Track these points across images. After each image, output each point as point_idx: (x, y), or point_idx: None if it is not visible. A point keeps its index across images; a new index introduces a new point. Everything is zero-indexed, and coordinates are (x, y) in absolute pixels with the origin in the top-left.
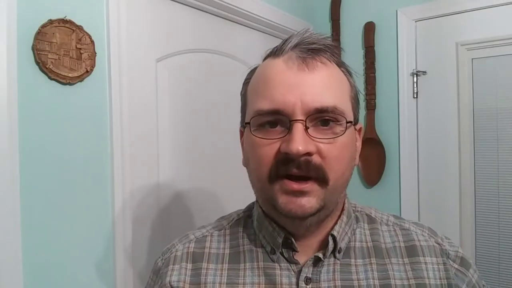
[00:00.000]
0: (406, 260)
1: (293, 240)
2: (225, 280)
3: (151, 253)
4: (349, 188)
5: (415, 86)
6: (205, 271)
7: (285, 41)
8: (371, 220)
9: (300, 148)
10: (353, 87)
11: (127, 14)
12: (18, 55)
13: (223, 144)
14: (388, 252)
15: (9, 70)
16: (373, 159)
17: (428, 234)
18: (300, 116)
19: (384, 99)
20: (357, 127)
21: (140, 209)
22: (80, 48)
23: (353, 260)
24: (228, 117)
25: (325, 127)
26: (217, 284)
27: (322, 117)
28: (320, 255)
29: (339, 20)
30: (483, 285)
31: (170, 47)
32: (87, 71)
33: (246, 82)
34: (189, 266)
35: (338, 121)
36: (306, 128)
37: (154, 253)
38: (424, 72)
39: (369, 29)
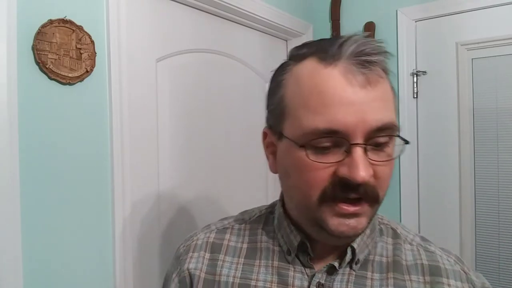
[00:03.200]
0: (427, 278)
1: (308, 245)
2: (239, 274)
3: (151, 252)
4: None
5: (415, 86)
6: (221, 262)
7: (337, 45)
8: (395, 235)
9: (365, 175)
10: (395, 96)
11: (127, 14)
12: (18, 55)
13: (223, 144)
14: (408, 269)
15: (9, 70)
16: None
17: (454, 260)
18: (360, 139)
19: None
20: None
21: (140, 208)
22: (80, 48)
23: (369, 273)
24: (229, 117)
25: (379, 148)
26: (231, 277)
27: (380, 139)
28: (336, 264)
29: (339, 20)
30: None
31: (170, 47)
32: (87, 71)
33: (281, 84)
34: (207, 255)
35: (392, 140)
36: (365, 151)
37: (154, 253)
38: (424, 72)
39: (369, 29)
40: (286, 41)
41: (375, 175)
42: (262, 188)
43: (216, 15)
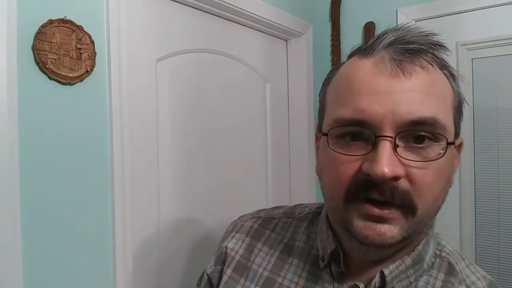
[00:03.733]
0: None
1: (341, 256)
2: (270, 267)
3: (151, 252)
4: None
5: None
6: (257, 251)
7: (377, 38)
8: (451, 271)
9: (387, 170)
10: (456, 95)
11: (127, 14)
12: (18, 55)
13: (223, 144)
14: None
15: (9, 70)
16: None
17: None
18: (388, 132)
19: None
20: (457, 142)
21: (140, 208)
22: (80, 48)
23: None
24: (229, 117)
25: (419, 145)
26: (262, 268)
27: (417, 133)
28: (361, 286)
29: (339, 20)
30: None
31: (170, 47)
32: (87, 71)
33: (327, 83)
34: (247, 240)
35: (436, 140)
36: (395, 147)
37: (154, 253)
38: None
39: (369, 29)
40: (286, 41)
41: (409, 178)
42: (262, 188)
43: (216, 15)
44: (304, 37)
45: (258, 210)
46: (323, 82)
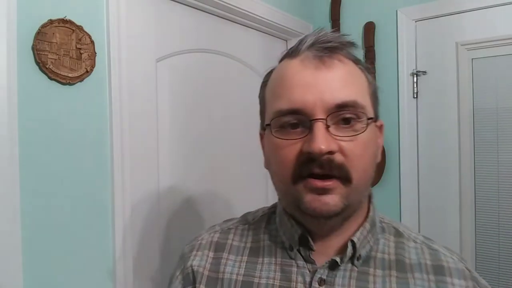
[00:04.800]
0: (431, 277)
1: (309, 238)
2: (242, 272)
3: (151, 252)
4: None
5: (415, 86)
6: (224, 261)
7: (300, 42)
8: (398, 234)
9: (323, 147)
10: (371, 83)
11: (127, 14)
12: (18, 55)
13: (223, 143)
14: (412, 267)
15: (9, 70)
16: None
17: (457, 258)
18: (320, 115)
19: (384, 99)
20: (378, 123)
21: (140, 208)
22: (80, 48)
23: (372, 270)
24: (229, 117)
25: (346, 125)
26: (234, 275)
27: (343, 115)
28: (338, 259)
29: (339, 20)
30: None
31: (170, 47)
32: (87, 71)
33: (264, 85)
34: (211, 254)
35: (359, 118)
36: (327, 127)
37: (154, 253)
38: (424, 72)
39: (369, 29)
40: (286, 41)
41: (342, 152)
42: (262, 187)
43: (216, 15)
44: None
45: (211, 226)
46: (261, 85)
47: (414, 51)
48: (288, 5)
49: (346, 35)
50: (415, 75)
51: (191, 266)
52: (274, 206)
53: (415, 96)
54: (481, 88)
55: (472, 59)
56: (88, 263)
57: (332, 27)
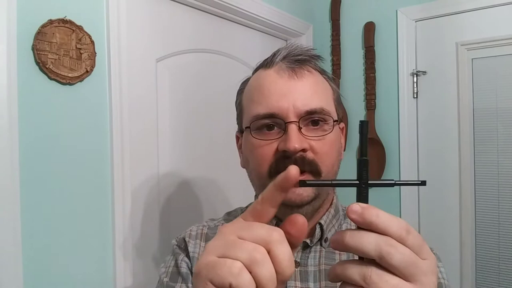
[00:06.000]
0: None
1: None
2: None
3: (151, 250)
4: (349, 189)
5: (415, 86)
6: None
7: (274, 54)
8: None
9: (296, 145)
10: (335, 91)
11: (127, 14)
12: (18, 55)
13: (222, 143)
14: None
15: (9, 70)
16: (373, 159)
17: None
18: (293, 118)
19: (384, 99)
20: (341, 126)
21: (140, 209)
22: (80, 48)
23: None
24: (228, 117)
25: (315, 127)
26: None
27: (312, 118)
28: (308, 241)
29: (339, 20)
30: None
31: (170, 47)
32: (87, 71)
33: (240, 92)
34: (203, 244)
35: (326, 121)
36: (300, 128)
37: (153, 251)
38: (424, 72)
39: (369, 29)
40: (286, 41)
41: (313, 150)
42: None
43: (216, 15)
44: (304, 37)
45: (196, 224)
46: (238, 92)
47: (414, 51)
48: (288, 5)
49: (313, 49)
50: (415, 75)
51: (188, 251)
52: (250, 204)
53: (415, 96)
54: (481, 88)
55: (472, 59)
56: (88, 264)
57: (332, 27)
